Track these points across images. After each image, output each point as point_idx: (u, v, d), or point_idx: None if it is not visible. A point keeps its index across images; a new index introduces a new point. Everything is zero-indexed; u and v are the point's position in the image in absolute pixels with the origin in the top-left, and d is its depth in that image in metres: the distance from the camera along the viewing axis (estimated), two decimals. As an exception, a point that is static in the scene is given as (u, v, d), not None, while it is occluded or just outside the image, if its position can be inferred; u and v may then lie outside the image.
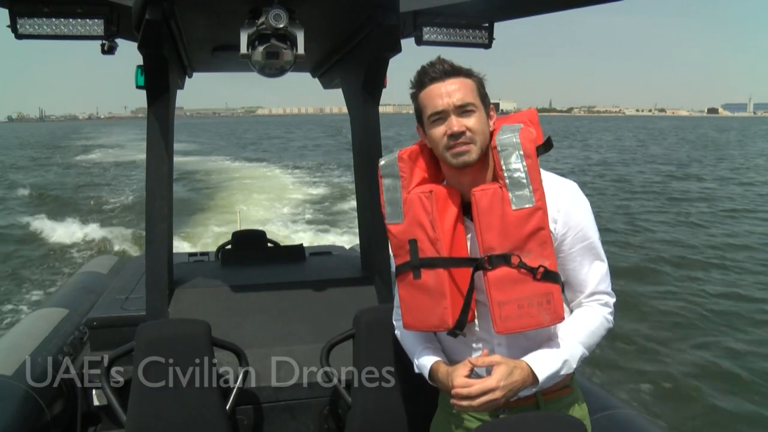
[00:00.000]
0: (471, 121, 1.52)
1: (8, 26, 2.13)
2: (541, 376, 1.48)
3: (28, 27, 2.15)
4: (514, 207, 1.47)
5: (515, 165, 1.49)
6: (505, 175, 1.49)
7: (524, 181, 1.48)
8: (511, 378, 1.45)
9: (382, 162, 1.65)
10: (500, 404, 1.47)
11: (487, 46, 2.49)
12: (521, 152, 1.49)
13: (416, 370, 1.71)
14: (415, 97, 1.61)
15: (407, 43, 2.51)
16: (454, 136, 1.51)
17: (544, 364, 1.49)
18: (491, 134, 1.56)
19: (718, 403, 5.17)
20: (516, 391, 1.47)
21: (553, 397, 1.62)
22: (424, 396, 2.12)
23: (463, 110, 1.52)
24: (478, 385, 1.45)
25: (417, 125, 1.65)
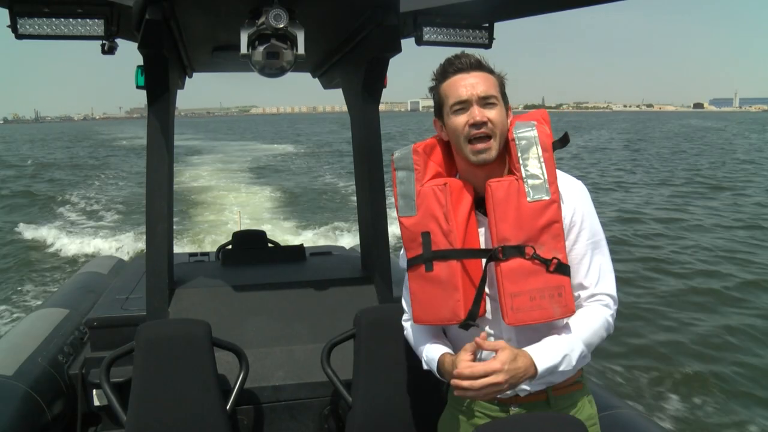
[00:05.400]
0: (493, 113, 1.51)
1: (8, 26, 2.13)
2: (541, 367, 1.45)
3: (28, 27, 2.14)
4: (529, 199, 1.47)
5: (533, 158, 1.49)
6: (522, 167, 1.49)
7: (541, 173, 1.48)
8: (515, 364, 1.42)
9: (396, 154, 1.64)
10: (504, 389, 1.43)
11: (487, 46, 2.50)
12: (539, 145, 1.49)
13: (425, 366, 1.68)
14: (436, 88, 1.60)
15: (407, 43, 2.52)
16: (476, 126, 1.50)
17: (545, 356, 1.47)
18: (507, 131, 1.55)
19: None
20: (518, 378, 1.43)
21: (564, 393, 1.61)
22: (425, 396, 2.12)
23: (485, 102, 1.52)
24: (481, 367, 1.41)
25: (435, 119, 1.63)
